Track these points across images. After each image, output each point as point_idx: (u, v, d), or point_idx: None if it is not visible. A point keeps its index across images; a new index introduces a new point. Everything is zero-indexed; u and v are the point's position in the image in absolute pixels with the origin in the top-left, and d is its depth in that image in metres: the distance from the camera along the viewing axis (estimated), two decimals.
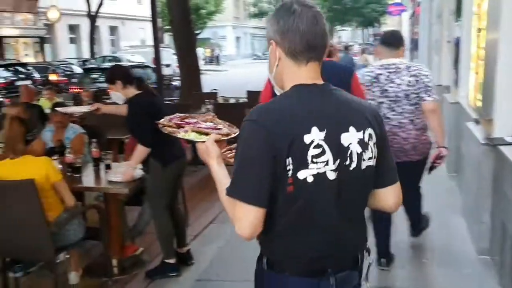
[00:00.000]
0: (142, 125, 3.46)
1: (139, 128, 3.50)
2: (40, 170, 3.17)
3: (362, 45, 25.47)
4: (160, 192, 3.63)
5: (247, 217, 1.39)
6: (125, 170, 3.63)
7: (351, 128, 1.44)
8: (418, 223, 4.09)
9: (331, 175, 1.41)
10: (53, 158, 3.58)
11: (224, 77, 23.84)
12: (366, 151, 1.47)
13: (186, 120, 1.79)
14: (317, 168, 1.39)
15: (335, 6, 43.30)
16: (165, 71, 18.27)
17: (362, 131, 1.46)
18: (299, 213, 1.42)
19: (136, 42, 34.10)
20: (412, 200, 3.82)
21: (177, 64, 10.58)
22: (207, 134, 1.64)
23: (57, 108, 4.58)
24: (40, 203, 3.04)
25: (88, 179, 3.87)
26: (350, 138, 1.44)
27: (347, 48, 14.69)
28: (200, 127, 1.71)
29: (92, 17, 24.77)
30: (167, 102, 8.83)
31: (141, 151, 3.52)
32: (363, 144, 1.46)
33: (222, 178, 1.53)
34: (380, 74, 3.48)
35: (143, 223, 4.15)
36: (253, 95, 8.07)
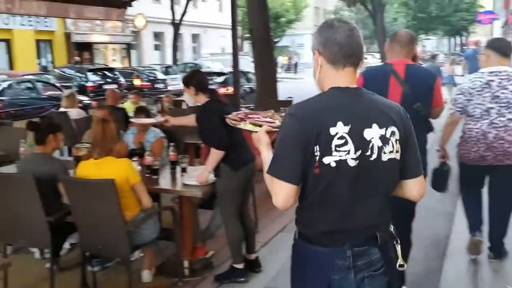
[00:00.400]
0: (216, 129, 3.53)
1: (213, 131, 3.57)
2: (121, 171, 3.33)
3: (448, 55, 24.47)
4: (230, 196, 3.67)
5: (282, 192, 1.72)
6: (200, 174, 3.72)
7: (374, 125, 1.72)
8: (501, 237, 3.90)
9: (352, 163, 1.69)
10: (133, 159, 3.74)
11: (300, 85, 23.82)
12: (387, 145, 1.73)
13: (249, 115, 2.09)
14: (339, 156, 1.67)
15: (420, 15, 41.83)
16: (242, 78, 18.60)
17: (384, 128, 1.73)
18: (322, 191, 1.72)
19: (216, 49, 35.03)
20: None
21: (254, 72, 10.70)
22: (261, 126, 1.96)
23: (130, 119, 4.82)
24: (119, 203, 3.18)
25: (164, 181, 4.00)
26: (373, 133, 1.71)
27: (434, 57, 15.38)
28: (257, 121, 2.02)
29: (176, 25, 25.75)
30: (242, 107, 8.98)
31: (215, 154, 3.58)
32: (384, 139, 1.73)
33: (269, 161, 1.78)
34: (492, 81, 3.54)
35: (215, 227, 4.22)
36: None
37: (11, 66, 22.03)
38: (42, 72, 19.07)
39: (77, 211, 3.39)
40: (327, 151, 1.67)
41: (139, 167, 3.90)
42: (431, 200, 5.69)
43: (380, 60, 25.16)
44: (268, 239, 4.64)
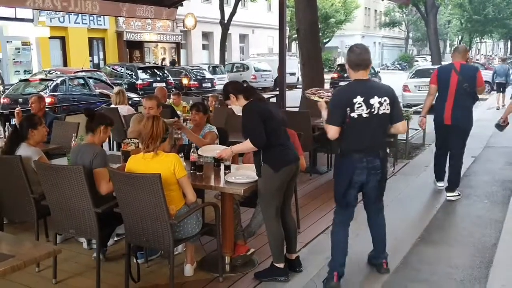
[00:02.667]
0: (255, 127, 3.56)
1: (252, 129, 3.59)
2: (168, 165, 3.42)
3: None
4: (271, 196, 3.68)
5: (332, 130, 3.50)
6: (224, 150, 3.89)
7: (375, 97, 3.49)
8: None
9: (365, 115, 3.46)
10: (180, 155, 3.82)
11: None
12: (381, 106, 3.50)
13: (319, 91, 3.90)
14: (358, 112, 3.46)
15: (475, 17, 40.37)
16: (289, 79, 18.59)
17: (380, 98, 3.50)
18: (352, 129, 3.49)
19: (264, 50, 35.15)
20: None
21: (300, 73, 10.66)
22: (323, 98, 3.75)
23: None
24: (164, 196, 3.26)
25: (208, 178, 4.06)
26: (374, 100, 3.48)
27: (504, 60, 18.96)
28: (321, 95, 3.80)
29: (225, 25, 26.03)
30: (289, 108, 8.96)
31: (248, 144, 3.61)
32: (380, 103, 3.50)
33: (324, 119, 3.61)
34: None
35: (256, 225, 4.24)
36: None
37: (65, 63, 22.95)
38: (94, 69, 19.72)
39: (124, 203, 3.50)
40: (352, 110, 3.45)
41: (184, 163, 3.97)
42: (479, 208, 5.53)
43: (431, 63, 24.48)
44: (309, 240, 4.62)
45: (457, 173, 5.91)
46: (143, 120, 3.67)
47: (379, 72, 28.41)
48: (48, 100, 11.63)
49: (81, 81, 13.88)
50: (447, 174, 6.05)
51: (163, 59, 27.47)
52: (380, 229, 4.00)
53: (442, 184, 6.22)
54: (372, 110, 3.44)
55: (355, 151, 3.53)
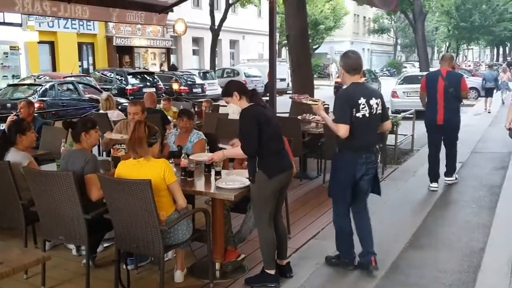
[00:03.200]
0: (249, 133, 3.58)
1: (246, 134, 3.61)
2: (158, 170, 3.42)
3: (495, 65, 25.39)
4: (264, 202, 3.69)
5: (344, 129, 3.74)
6: (216, 153, 3.91)
7: (373, 98, 3.86)
8: None
9: (367, 115, 3.81)
10: (170, 161, 3.82)
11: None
12: (378, 107, 3.89)
13: (300, 96, 4.20)
14: (362, 112, 3.79)
15: (462, 24, 40.85)
16: (279, 84, 18.64)
17: (376, 100, 3.88)
18: (356, 129, 3.77)
19: (254, 55, 35.21)
20: None
21: (290, 79, 10.71)
22: (317, 101, 4.03)
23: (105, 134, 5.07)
24: (154, 202, 3.26)
25: (199, 183, 4.06)
26: (373, 102, 3.85)
27: (490, 66, 20.34)
28: (308, 99, 4.11)
29: (215, 31, 26.05)
30: (279, 114, 8.98)
31: (238, 151, 3.67)
32: (376, 104, 3.88)
33: (328, 120, 3.94)
34: None
35: (246, 230, 4.24)
36: None
37: (54, 68, 22.80)
38: (83, 74, 19.64)
39: (114, 210, 3.49)
40: (357, 111, 3.77)
41: (175, 169, 3.97)
42: (467, 213, 5.58)
43: (419, 69, 24.69)
44: (300, 245, 4.63)
45: (453, 160, 6.77)
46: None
47: (379, 76, 28.88)
48: (36, 105, 11.49)
49: (70, 86, 13.80)
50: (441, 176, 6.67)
51: (162, 64, 27.44)
52: (368, 223, 4.19)
53: (436, 186, 6.55)
54: (372, 110, 3.83)
55: (357, 149, 3.87)
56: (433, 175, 6.58)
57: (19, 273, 2.62)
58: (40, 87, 12.83)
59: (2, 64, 20.87)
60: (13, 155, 4.17)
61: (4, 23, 19.78)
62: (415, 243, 4.73)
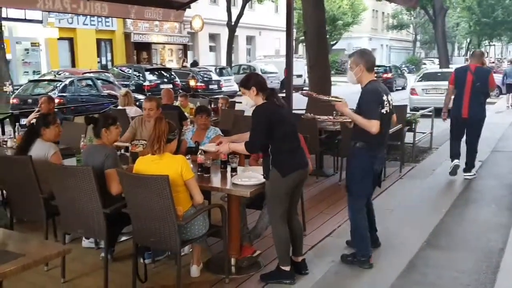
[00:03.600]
0: (256, 131, 3.59)
1: (253, 131, 3.62)
2: (176, 166, 3.46)
3: None
4: (278, 200, 3.69)
5: (377, 125, 3.80)
6: (223, 145, 3.92)
7: (389, 95, 4.04)
8: None
9: (388, 111, 3.96)
10: (187, 157, 3.85)
11: (356, 88, 23.51)
12: (392, 103, 4.05)
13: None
14: (385, 109, 3.92)
15: (484, 20, 40.11)
16: (296, 81, 18.58)
17: (390, 96, 4.05)
18: (381, 125, 3.84)
19: (271, 52, 35.15)
20: None
21: (307, 75, 10.67)
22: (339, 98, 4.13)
23: None
24: (171, 198, 3.29)
25: (215, 179, 4.09)
26: (390, 98, 4.03)
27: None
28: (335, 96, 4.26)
29: (232, 27, 26.07)
30: (296, 110, 8.96)
31: (242, 147, 3.71)
32: (391, 100, 4.05)
33: (356, 116, 3.92)
34: None
35: (262, 227, 4.26)
36: None
37: (73, 64, 23.09)
38: (102, 71, 19.84)
39: (132, 204, 3.53)
40: (383, 107, 3.89)
41: (191, 165, 4.00)
42: (486, 213, 5.51)
43: (439, 66, 24.37)
44: (315, 242, 4.63)
45: (473, 156, 6.95)
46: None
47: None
48: (56, 100, 11.67)
49: (89, 82, 13.99)
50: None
51: (184, 60, 27.68)
52: (373, 210, 4.46)
53: (457, 161, 6.93)
54: (390, 106, 4.00)
55: (380, 144, 4.01)
56: (454, 154, 6.90)
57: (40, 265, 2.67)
58: (60, 83, 13.08)
59: (23, 60, 21.24)
60: (39, 146, 4.27)
61: (25, 20, 20.11)
62: (433, 243, 4.69)
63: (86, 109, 11.95)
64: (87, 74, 15.19)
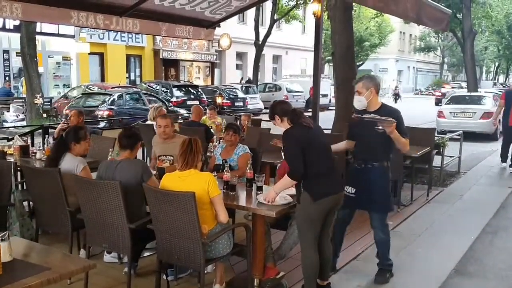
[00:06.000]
0: (292, 157, 3.53)
1: (289, 158, 3.57)
2: (202, 183, 3.45)
3: None
4: (309, 224, 3.62)
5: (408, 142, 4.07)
6: (268, 193, 3.76)
7: None
8: None
9: None
10: (213, 174, 3.83)
11: None
12: None
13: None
14: None
15: None
16: (321, 100, 18.50)
17: None
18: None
19: (296, 71, 35.24)
20: None
21: (334, 95, 10.63)
22: None
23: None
24: (197, 215, 3.27)
25: (240, 198, 4.06)
26: None
27: None
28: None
29: (259, 46, 26.26)
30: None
31: (286, 180, 3.61)
32: None
33: (399, 137, 3.96)
34: None
35: (287, 248, 4.19)
36: (411, 132, 7.70)
37: (102, 79, 23.55)
38: (130, 86, 20.19)
39: (158, 220, 3.52)
40: None
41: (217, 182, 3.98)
42: None
43: (467, 90, 23.99)
44: (341, 266, 4.53)
45: None
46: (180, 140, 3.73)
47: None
48: (106, 113, 13.09)
49: (136, 96, 15.02)
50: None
51: (242, 79, 29.51)
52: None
53: (505, 165, 9.48)
54: None
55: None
56: (504, 157, 9.51)
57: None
58: (110, 96, 14.16)
59: (54, 73, 21.76)
60: (68, 160, 4.31)
61: (58, 35, 20.65)
62: (462, 270, 4.55)
63: (131, 122, 12.28)
64: (133, 89, 16.20)
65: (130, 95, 14.89)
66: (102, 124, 11.96)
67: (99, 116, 13.16)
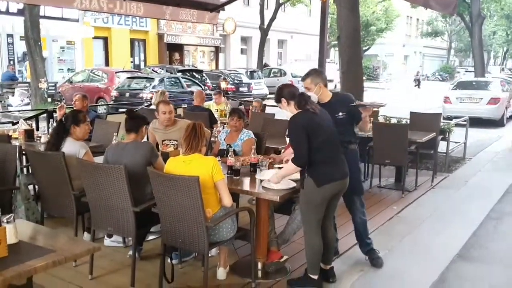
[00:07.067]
0: (298, 142, 3.52)
1: (295, 144, 3.56)
2: (206, 168, 3.45)
3: None
4: (312, 209, 3.62)
5: None
6: (272, 176, 3.78)
7: None
8: None
9: None
10: (217, 159, 3.83)
11: (385, 94, 23.19)
12: None
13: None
14: None
15: None
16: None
17: None
18: None
19: (302, 56, 35.02)
20: None
21: (339, 80, 10.57)
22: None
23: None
24: (201, 199, 3.28)
25: (244, 182, 4.06)
26: None
27: None
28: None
29: (264, 30, 26.09)
30: None
31: (290, 166, 3.61)
32: None
33: None
34: None
35: (290, 232, 4.20)
36: (417, 117, 7.69)
37: (106, 63, 23.51)
38: (135, 70, 20.16)
39: (162, 204, 3.53)
40: None
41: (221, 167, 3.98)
42: None
43: (474, 75, 23.79)
44: (344, 250, 4.55)
45: None
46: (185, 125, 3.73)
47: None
48: (150, 95, 13.47)
49: (175, 80, 16.33)
50: None
51: (265, 64, 29.29)
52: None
53: None
54: None
55: None
56: None
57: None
58: (152, 80, 15.56)
59: (58, 57, 21.74)
60: (70, 144, 4.30)
61: (62, 19, 20.59)
62: (465, 255, 4.55)
63: (173, 104, 12.52)
64: (162, 73, 17.44)
65: (169, 79, 16.19)
66: (145, 105, 12.36)
67: (144, 98, 14.12)
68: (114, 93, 15.42)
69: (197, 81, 17.41)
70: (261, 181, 3.90)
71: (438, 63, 55.01)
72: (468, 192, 6.75)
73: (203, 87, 16.71)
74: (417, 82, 36.48)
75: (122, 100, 14.49)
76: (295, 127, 3.54)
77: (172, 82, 16.08)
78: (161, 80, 15.58)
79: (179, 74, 17.43)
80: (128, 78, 16.64)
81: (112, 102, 15.08)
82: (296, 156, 3.55)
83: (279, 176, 3.72)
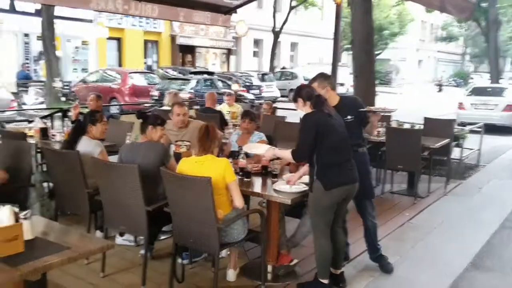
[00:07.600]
0: (304, 139, 3.52)
1: (301, 141, 3.56)
2: (219, 169, 3.46)
3: None
4: (320, 212, 3.61)
5: None
6: (267, 150, 3.91)
7: None
8: None
9: None
10: (230, 160, 3.84)
11: (397, 99, 23.04)
12: None
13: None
14: None
15: None
16: (338, 89, 18.39)
17: None
18: None
19: (313, 59, 34.94)
20: None
21: (352, 84, 10.54)
22: None
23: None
24: (213, 200, 3.29)
25: (256, 184, 4.06)
26: None
27: None
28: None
29: (276, 33, 26.08)
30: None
31: (288, 155, 3.66)
32: None
33: None
34: None
35: (300, 236, 4.19)
36: (430, 123, 7.62)
37: (119, 63, 23.68)
38: (147, 71, 20.28)
39: (174, 204, 3.55)
40: None
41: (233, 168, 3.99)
42: None
43: (490, 81, 23.55)
44: (355, 255, 4.52)
45: None
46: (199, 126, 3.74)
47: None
48: (188, 95, 14.44)
49: (210, 81, 17.20)
50: None
51: (284, 68, 29.63)
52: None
53: None
54: None
55: None
56: None
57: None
58: (189, 81, 16.59)
59: (73, 57, 21.94)
60: (85, 143, 4.35)
61: (76, 19, 20.77)
62: (479, 264, 4.50)
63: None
64: (207, 75, 18.08)
65: (205, 81, 17.09)
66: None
67: (182, 98, 14.20)
68: (155, 92, 16.01)
69: (230, 83, 18.16)
70: (273, 182, 3.92)
71: (453, 68, 54.56)
72: (482, 200, 6.68)
73: (232, 91, 16.92)
74: (440, 87, 36.69)
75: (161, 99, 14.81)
76: (306, 124, 3.55)
77: (208, 84, 16.99)
78: (198, 82, 16.53)
79: (215, 77, 18.10)
80: (168, 79, 17.77)
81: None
82: (297, 150, 3.58)
83: (275, 154, 3.90)
